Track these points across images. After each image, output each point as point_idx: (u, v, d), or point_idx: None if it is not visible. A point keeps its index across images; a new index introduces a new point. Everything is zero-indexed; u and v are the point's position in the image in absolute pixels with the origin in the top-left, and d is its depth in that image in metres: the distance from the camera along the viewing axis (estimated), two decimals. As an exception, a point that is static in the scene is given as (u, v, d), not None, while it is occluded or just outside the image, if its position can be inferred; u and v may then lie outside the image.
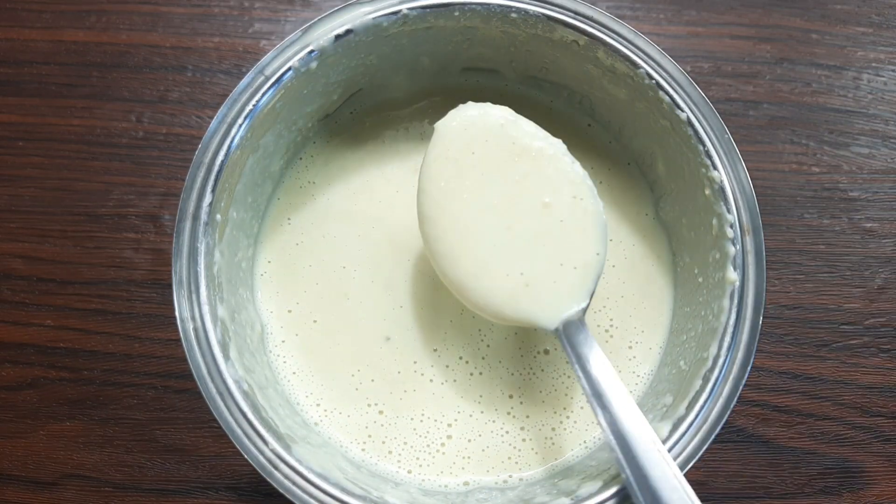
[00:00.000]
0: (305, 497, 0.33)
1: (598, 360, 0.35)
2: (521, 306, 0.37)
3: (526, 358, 0.42)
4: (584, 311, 0.37)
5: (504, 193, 0.38)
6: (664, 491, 0.31)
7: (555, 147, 0.39)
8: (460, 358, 0.41)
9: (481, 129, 0.39)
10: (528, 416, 0.41)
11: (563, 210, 0.38)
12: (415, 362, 0.41)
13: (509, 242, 0.38)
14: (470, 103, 0.40)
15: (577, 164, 0.39)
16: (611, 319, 0.43)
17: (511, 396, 0.41)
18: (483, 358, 0.41)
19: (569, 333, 0.36)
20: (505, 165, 0.38)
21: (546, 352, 0.42)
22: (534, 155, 0.38)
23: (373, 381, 0.41)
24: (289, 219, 0.44)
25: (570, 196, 0.38)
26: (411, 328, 0.42)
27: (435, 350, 0.42)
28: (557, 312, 0.37)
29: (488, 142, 0.39)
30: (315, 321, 0.42)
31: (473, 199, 0.38)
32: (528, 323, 0.37)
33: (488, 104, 0.39)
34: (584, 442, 0.40)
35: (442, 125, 0.39)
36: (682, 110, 0.39)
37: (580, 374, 0.35)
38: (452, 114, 0.39)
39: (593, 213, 0.38)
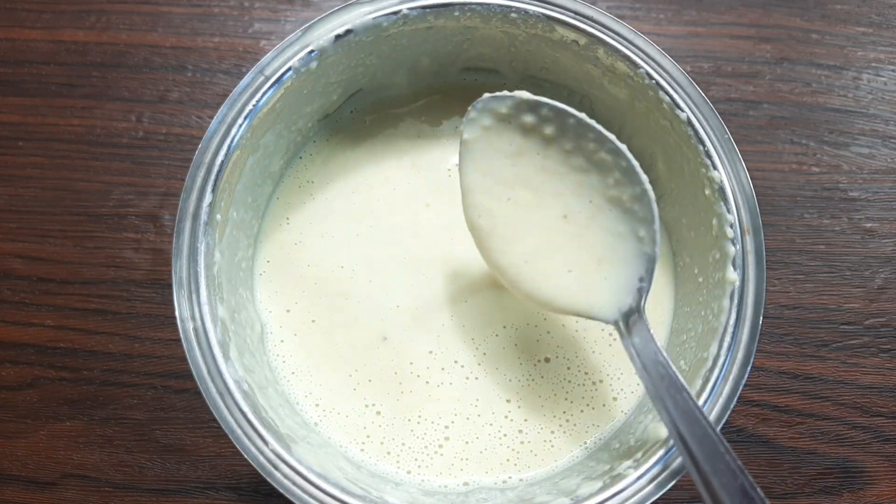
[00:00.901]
0: (305, 497, 0.33)
1: (657, 358, 0.34)
2: (580, 301, 0.37)
3: (525, 366, 0.41)
4: (642, 301, 0.36)
5: (544, 193, 0.38)
6: (734, 498, 0.29)
7: (578, 138, 0.37)
8: (455, 362, 0.41)
9: (506, 134, 0.38)
10: (526, 420, 0.40)
11: (599, 202, 0.37)
12: (411, 363, 0.41)
13: (559, 240, 0.38)
14: (486, 97, 0.38)
15: (604, 148, 0.37)
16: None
17: (509, 401, 0.41)
18: (479, 364, 0.41)
19: (628, 326, 0.36)
20: (536, 168, 0.38)
21: (547, 360, 0.42)
22: (558, 153, 0.38)
23: (370, 381, 0.41)
24: (287, 218, 0.44)
25: (602, 188, 0.37)
26: (407, 329, 0.42)
27: (431, 352, 0.41)
28: (614, 305, 0.37)
29: (516, 145, 0.38)
30: (313, 321, 0.42)
31: (518, 203, 0.38)
32: (589, 316, 0.37)
33: (502, 95, 0.38)
34: (585, 444, 0.40)
35: (468, 138, 0.38)
36: (682, 110, 0.39)
37: (641, 373, 0.35)
38: (473, 121, 0.38)
39: (627, 200, 0.37)
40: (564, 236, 0.38)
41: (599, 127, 0.37)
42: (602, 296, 0.37)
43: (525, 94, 0.38)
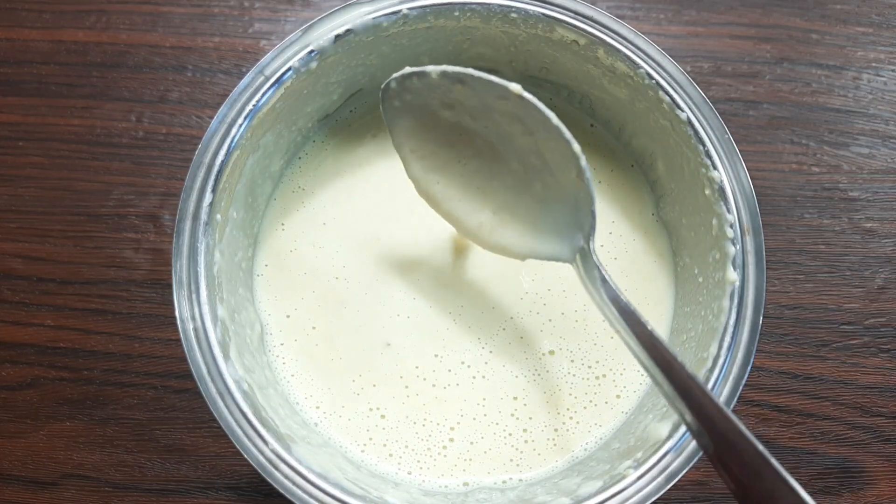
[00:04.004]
0: (305, 497, 0.33)
1: (611, 294, 0.34)
2: (536, 245, 0.38)
3: (531, 360, 0.42)
4: (591, 237, 0.36)
5: (482, 149, 0.38)
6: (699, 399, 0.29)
7: (486, 98, 0.36)
8: (462, 363, 0.41)
9: (431, 102, 0.38)
10: (531, 418, 0.41)
11: (530, 151, 0.37)
12: (417, 367, 0.41)
13: (509, 197, 0.38)
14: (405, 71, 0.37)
15: (512, 103, 0.35)
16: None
17: (515, 398, 0.41)
18: (486, 363, 0.41)
19: (584, 265, 0.36)
20: (468, 136, 0.38)
21: (552, 352, 0.42)
22: (479, 118, 0.37)
23: (374, 385, 0.41)
24: (283, 224, 0.44)
25: (529, 143, 0.37)
26: (411, 335, 0.42)
27: (437, 356, 0.41)
28: (570, 245, 0.37)
29: (444, 111, 0.38)
30: (314, 328, 0.42)
31: (460, 163, 0.39)
32: (548, 257, 0.38)
33: (402, 75, 0.37)
34: (586, 444, 0.40)
35: (388, 111, 0.39)
36: (682, 110, 0.39)
37: (602, 310, 0.35)
38: (389, 101, 0.38)
39: (552, 143, 0.35)
40: (512, 192, 0.38)
41: (495, 79, 0.35)
42: (560, 236, 0.37)
43: (407, 69, 0.37)
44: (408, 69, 0.37)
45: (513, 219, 0.39)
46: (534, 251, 0.38)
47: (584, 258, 0.36)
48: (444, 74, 0.36)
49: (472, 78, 0.35)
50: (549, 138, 0.35)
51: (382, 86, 0.38)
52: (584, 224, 0.36)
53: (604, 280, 0.35)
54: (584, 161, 0.34)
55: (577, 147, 0.34)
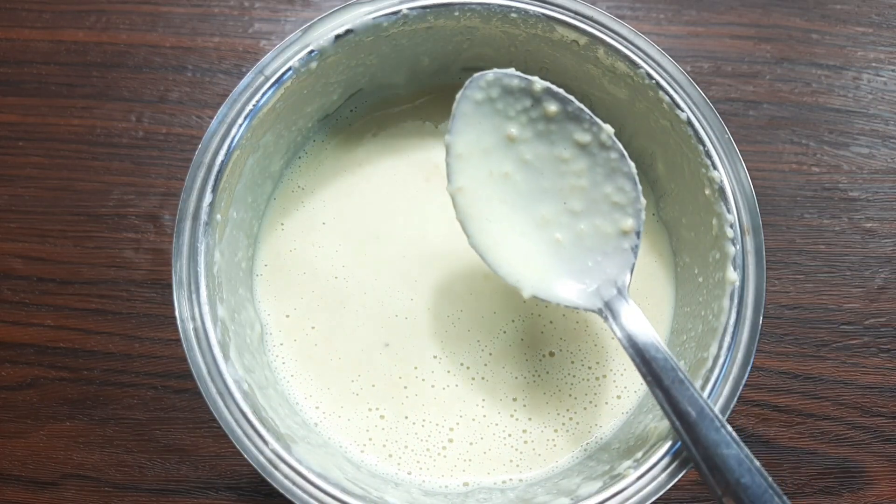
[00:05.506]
0: (305, 497, 0.33)
1: (647, 335, 0.35)
2: (564, 293, 0.37)
3: (531, 361, 0.41)
4: (626, 285, 0.36)
5: (531, 179, 0.38)
6: (734, 468, 0.31)
7: (573, 129, 0.37)
8: (461, 364, 0.41)
9: (506, 113, 0.38)
10: (530, 419, 0.41)
11: (589, 194, 0.37)
12: (415, 368, 0.41)
13: (541, 229, 0.38)
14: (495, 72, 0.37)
15: (597, 140, 0.36)
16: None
17: (515, 399, 0.41)
18: (486, 364, 0.41)
19: (613, 311, 0.36)
20: (527, 155, 0.38)
21: (552, 354, 0.42)
22: (552, 145, 0.38)
23: (373, 386, 0.41)
24: (282, 223, 0.44)
25: (592, 182, 0.37)
26: (410, 335, 0.42)
27: (435, 357, 0.41)
28: (593, 295, 0.37)
29: (513, 127, 0.38)
30: (313, 327, 0.42)
31: (501, 184, 0.38)
32: (560, 303, 0.37)
33: (513, 73, 0.37)
34: (586, 444, 0.40)
35: (466, 105, 0.38)
36: (682, 110, 0.39)
37: (634, 359, 0.35)
38: (482, 89, 0.38)
39: (611, 189, 0.36)
40: (548, 225, 0.38)
41: (589, 113, 0.37)
42: (589, 285, 0.37)
43: (512, 70, 0.37)
44: (512, 70, 0.37)
45: (532, 260, 0.38)
46: (542, 293, 0.37)
47: (613, 311, 0.36)
48: (547, 90, 0.37)
49: (571, 103, 0.37)
50: (612, 184, 0.36)
51: (476, 74, 0.37)
52: (615, 277, 0.36)
53: (643, 324, 0.35)
54: (643, 215, 0.36)
55: (643, 200, 0.36)
